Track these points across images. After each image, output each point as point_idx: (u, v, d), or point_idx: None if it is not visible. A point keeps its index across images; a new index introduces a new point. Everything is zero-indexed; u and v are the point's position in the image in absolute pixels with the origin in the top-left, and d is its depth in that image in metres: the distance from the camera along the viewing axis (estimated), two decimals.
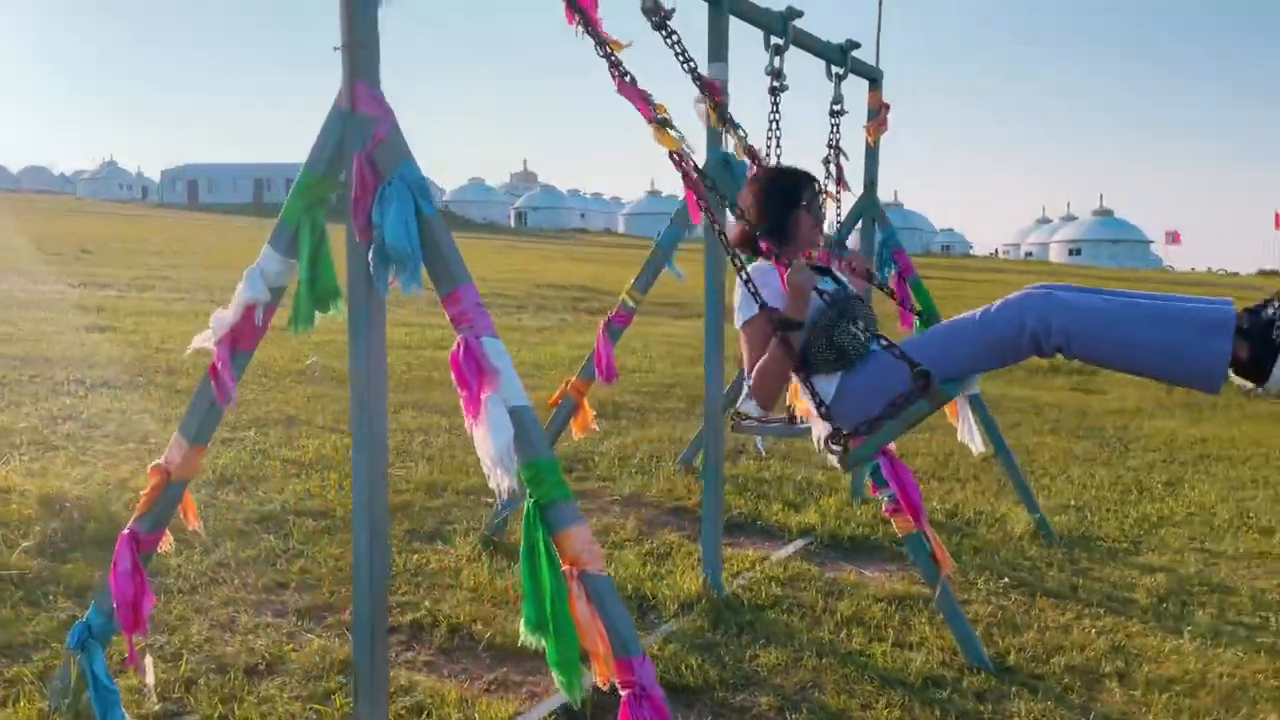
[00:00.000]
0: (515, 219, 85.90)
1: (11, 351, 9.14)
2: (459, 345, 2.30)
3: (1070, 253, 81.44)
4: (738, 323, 3.39)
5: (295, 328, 2.54)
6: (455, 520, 5.11)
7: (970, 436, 5.35)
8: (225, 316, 2.59)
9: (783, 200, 3.54)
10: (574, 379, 4.58)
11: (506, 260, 31.68)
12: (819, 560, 4.82)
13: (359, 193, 2.38)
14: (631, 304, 4.31)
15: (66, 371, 8.28)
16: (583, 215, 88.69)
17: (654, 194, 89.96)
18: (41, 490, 4.69)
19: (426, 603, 4.01)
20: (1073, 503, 6.08)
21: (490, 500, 5.45)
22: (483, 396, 2.26)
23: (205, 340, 2.63)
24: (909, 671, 3.62)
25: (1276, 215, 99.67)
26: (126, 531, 2.78)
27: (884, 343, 3.05)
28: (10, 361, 8.62)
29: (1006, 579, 4.64)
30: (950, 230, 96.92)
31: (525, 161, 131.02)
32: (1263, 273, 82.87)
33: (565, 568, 2.24)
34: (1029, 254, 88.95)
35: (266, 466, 5.77)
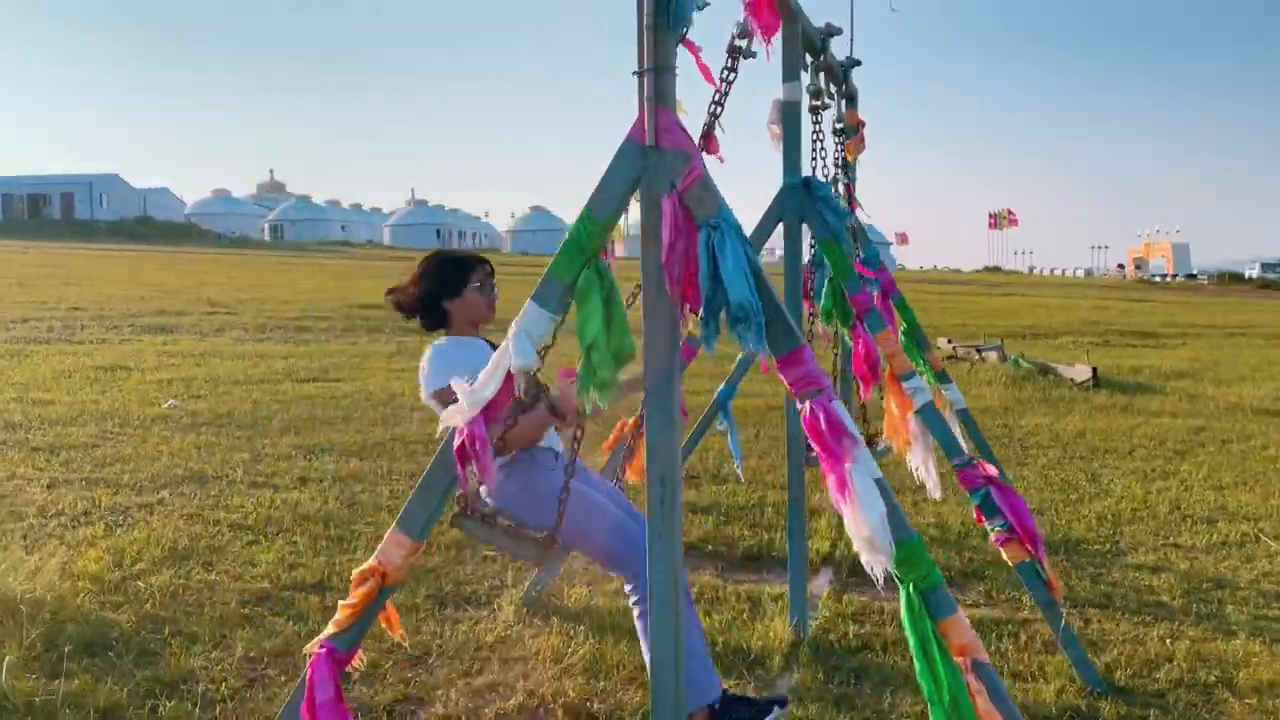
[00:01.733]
0: (271, 232, 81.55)
1: None
2: (815, 414, 2.00)
3: None
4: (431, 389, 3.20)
5: (599, 394, 2.14)
6: (468, 580, 4.65)
7: (926, 473, 4.90)
8: (482, 389, 2.15)
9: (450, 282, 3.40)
10: (630, 419, 4.25)
11: (297, 278, 29.89)
12: (862, 590, 4.71)
13: (672, 239, 2.03)
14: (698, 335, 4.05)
15: None
16: (344, 227, 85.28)
17: (420, 203, 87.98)
18: None
19: (520, 684, 3.59)
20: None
21: (490, 553, 5.02)
22: (847, 469, 1.98)
23: (455, 418, 2.18)
24: (1046, 703, 3.55)
25: (990, 216, 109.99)
26: (321, 650, 2.28)
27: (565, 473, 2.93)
28: None
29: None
30: None
31: (272, 171, 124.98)
32: (987, 269, 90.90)
33: (958, 659, 1.99)
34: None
35: (217, 535, 5.05)
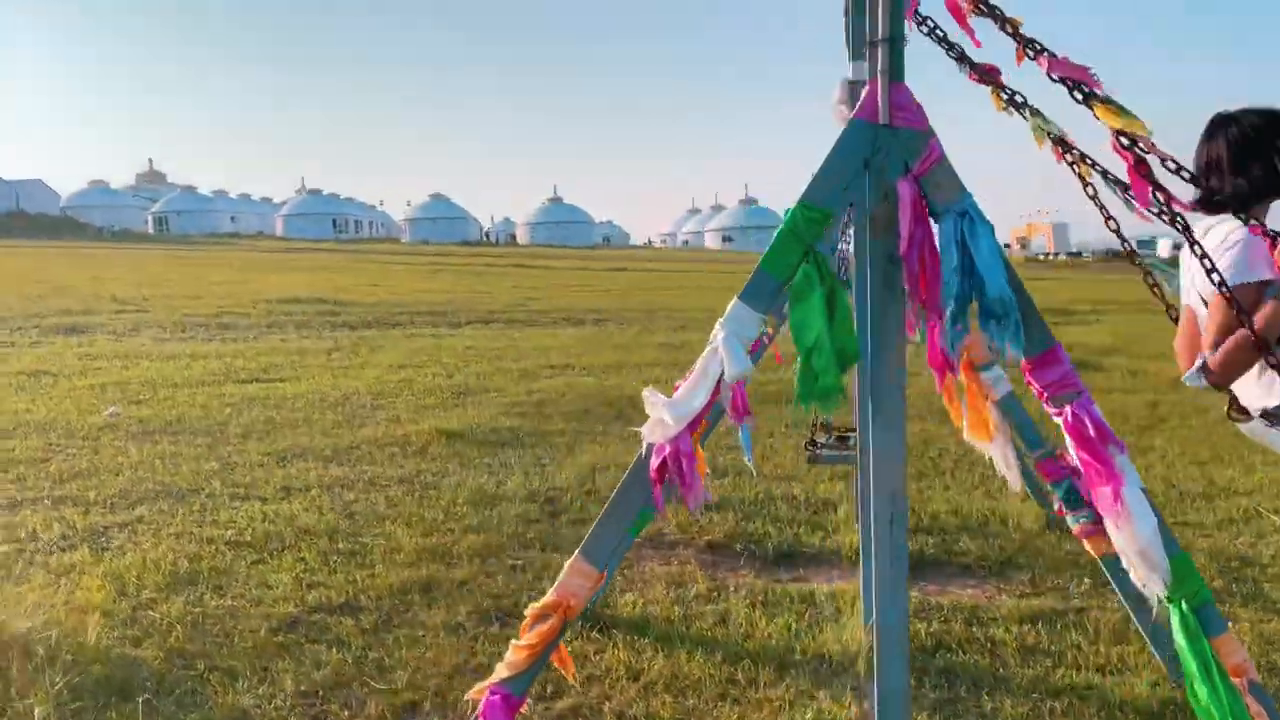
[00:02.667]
0: (155, 225, 78.27)
1: None
2: (1079, 419, 1.83)
3: (724, 240, 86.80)
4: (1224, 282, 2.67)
5: (821, 404, 1.92)
6: (504, 594, 4.36)
7: (1006, 466, 4.74)
8: (689, 399, 1.91)
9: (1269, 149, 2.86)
10: None
11: (200, 273, 28.66)
12: (910, 584, 4.58)
13: (912, 228, 1.83)
14: (771, 331, 3.84)
15: None
16: (233, 218, 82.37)
17: (313, 192, 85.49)
18: None
19: (606, 706, 3.35)
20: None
21: (517, 561, 4.74)
22: (1122, 480, 1.81)
23: (658, 434, 1.94)
24: (1142, 697, 3.48)
25: None
26: (495, 696, 2.02)
27: None
28: None
29: (1089, 580, 4.64)
30: (609, 223, 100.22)
31: (151, 161, 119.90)
32: None
33: (1235, 680, 1.84)
34: (685, 242, 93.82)
35: (217, 555, 4.66)
